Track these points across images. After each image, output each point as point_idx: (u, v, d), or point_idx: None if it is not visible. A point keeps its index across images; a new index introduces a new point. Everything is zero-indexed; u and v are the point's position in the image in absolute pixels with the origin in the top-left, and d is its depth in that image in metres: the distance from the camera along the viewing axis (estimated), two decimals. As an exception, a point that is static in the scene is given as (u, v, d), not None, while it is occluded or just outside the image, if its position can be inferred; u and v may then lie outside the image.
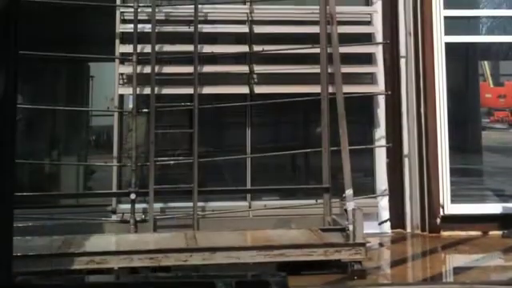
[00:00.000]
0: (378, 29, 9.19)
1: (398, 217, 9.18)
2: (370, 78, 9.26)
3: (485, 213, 9.04)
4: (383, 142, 9.16)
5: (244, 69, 8.85)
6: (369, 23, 9.26)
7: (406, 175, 9.19)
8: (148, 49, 8.22)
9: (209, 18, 8.82)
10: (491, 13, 10.37)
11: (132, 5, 8.38)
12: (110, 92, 9.25)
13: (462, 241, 8.62)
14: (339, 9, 8.33)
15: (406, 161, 9.19)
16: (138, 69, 8.33)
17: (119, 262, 6.58)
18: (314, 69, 8.46)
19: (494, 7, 10.74)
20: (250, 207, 8.80)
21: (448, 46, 9.15)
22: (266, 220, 8.20)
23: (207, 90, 8.54)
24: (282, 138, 9.55)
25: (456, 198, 9.09)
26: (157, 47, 8.19)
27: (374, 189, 9.18)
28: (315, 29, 8.43)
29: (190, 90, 8.19)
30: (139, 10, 8.36)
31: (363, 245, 6.92)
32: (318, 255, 6.84)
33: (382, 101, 9.17)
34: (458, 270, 7.70)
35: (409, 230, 9.14)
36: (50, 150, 12.76)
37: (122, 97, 8.84)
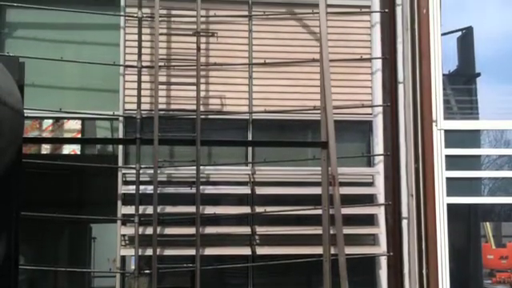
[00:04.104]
0: (379, 190, 9.23)
1: None
2: (372, 239, 9.24)
3: None
4: (385, 303, 9.06)
5: (246, 230, 8.85)
6: (371, 184, 9.32)
7: (408, 336, 9.05)
8: (150, 210, 8.24)
9: (211, 180, 8.89)
10: (493, 174, 10.46)
11: (134, 166, 8.47)
12: (112, 253, 9.22)
13: None
14: (341, 170, 8.37)
15: (409, 322, 9.06)
16: (140, 230, 8.33)
17: None
18: (316, 230, 8.45)
19: (495, 168, 10.85)
20: None
21: (450, 207, 9.16)
22: None
23: (209, 251, 8.50)
24: (284, 299, 9.44)
25: None
26: (159, 208, 8.20)
27: None
28: (317, 190, 8.47)
29: (192, 252, 8.15)
30: (141, 171, 8.44)
31: None
32: None
33: (383, 262, 9.11)
34: None
35: None
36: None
37: (124, 258, 8.83)
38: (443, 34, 9.65)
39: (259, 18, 9.33)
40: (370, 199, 9.31)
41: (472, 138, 10.01)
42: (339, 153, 8.45)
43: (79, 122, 9.42)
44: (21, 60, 4.70)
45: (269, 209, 8.86)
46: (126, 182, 8.76)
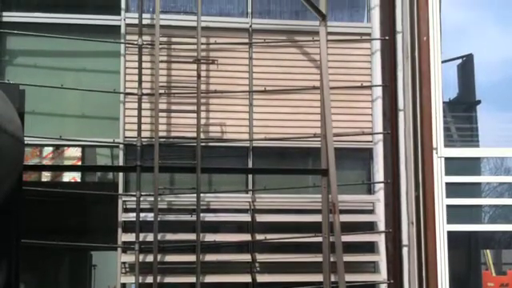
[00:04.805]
0: (380, 217, 9.22)
1: None
2: (373, 267, 9.22)
3: None
4: (386, 331, 9.03)
5: (246, 257, 8.82)
6: (371, 212, 9.31)
7: None
8: (150, 237, 8.23)
9: (211, 207, 8.88)
10: (493, 202, 10.43)
11: (134, 194, 8.46)
12: (113, 281, 9.20)
13: None
14: (341, 197, 8.37)
15: None
16: (141, 258, 8.31)
17: None
18: (317, 257, 8.43)
19: (496, 196, 10.82)
20: None
21: (450, 234, 9.14)
22: None
23: (209, 278, 8.46)
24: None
25: None
26: (159, 236, 8.19)
27: None
28: (317, 217, 8.46)
29: (192, 279, 8.13)
30: (141, 198, 8.43)
31: None
32: None
33: (384, 289, 9.11)
34: None
35: None
36: None
37: (124, 285, 8.80)
38: (443, 62, 9.68)
39: (260, 45, 9.36)
40: (370, 227, 9.29)
41: (472, 165, 10.00)
42: (339, 180, 8.46)
43: (79, 149, 9.42)
44: (21, 87, 4.71)
45: (269, 236, 8.84)
46: (126, 210, 8.75)
